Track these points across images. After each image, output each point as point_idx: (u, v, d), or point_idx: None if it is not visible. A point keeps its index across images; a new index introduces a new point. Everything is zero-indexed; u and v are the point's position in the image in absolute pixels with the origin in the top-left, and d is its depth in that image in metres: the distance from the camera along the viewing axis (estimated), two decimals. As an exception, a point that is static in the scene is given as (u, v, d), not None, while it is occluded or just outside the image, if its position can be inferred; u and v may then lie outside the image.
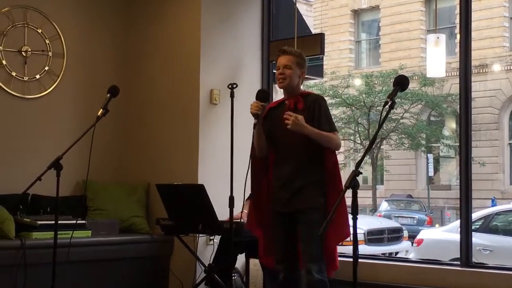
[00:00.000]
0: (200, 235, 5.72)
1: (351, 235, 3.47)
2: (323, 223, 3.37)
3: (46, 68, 6.14)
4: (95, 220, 5.88)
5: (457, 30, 6.75)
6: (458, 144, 5.91)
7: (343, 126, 21.71)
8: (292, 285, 4.45)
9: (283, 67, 4.44)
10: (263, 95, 4.48)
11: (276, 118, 4.42)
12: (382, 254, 10.59)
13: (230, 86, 5.02)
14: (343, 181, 3.85)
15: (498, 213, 10.41)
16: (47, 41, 6.16)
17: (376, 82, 21.34)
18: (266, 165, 4.57)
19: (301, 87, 4.59)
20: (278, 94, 6.41)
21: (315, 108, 4.38)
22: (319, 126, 4.35)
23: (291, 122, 4.24)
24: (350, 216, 3.48)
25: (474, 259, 5.47)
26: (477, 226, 9.43)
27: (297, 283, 4.43)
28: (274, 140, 4.47)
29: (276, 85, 6.47)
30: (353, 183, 3.34)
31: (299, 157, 4.37)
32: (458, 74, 5.53)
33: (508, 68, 21.00)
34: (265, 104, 4.42)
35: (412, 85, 19.72)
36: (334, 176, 4.43)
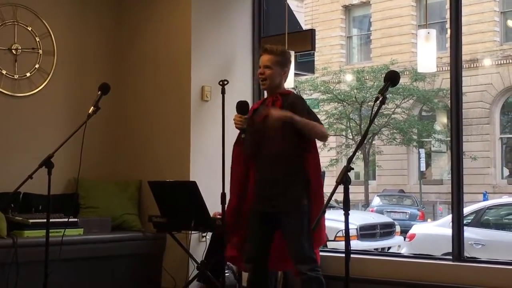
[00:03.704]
0: (193, 232, 5.72)
1: (343, 231, 3.48)
2: (310, 224, 3.38)
3: (37, 66, 6.13)
4: (87, 218, 5.88)
5: (447, 25, 6.75)
6: (449, 138, 5.93)
7: (334, 121, 21.72)
8: (258, 286, 4.45)
9: (263, 67, 4.44)
10: (243, 107, 4.44)
11: (255, 119, 4.42)
12: (374, 249, 10.64)
13: (221, 83, 5.01)
14: (334, 177, 3.85)
15: (489, 208, 10.45)
16: (37, 39, 6.14)
17: (367, 78, 21.36)
18: (247, 165, 4.56)
19: (285, 85, 4.56)
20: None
21: (292, 108, 4.32)
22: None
23: (273, 112, 4.25)
24: (341, 212, 3.47)
25: (466, 254, 5.49)
26: (469, 221, 9.46)
27: (263, 285, 4.44)
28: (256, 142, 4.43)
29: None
30: (344, 179, 3.35)
31: (276, 155, 4.33)
32: (449, 69, 5.55)
33: (499, 62, 21.06)
34: (247, 116, 4.37)
35: (403, 80, 19.74)
36: (316, 176, 4.43)
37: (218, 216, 5.20)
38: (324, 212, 3.38)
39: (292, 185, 4.31)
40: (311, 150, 4.44)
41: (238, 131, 4.57)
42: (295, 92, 4.74)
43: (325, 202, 3.78)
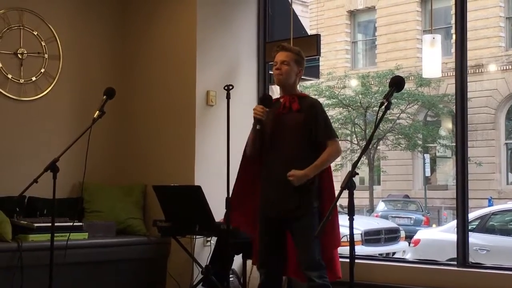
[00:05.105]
0: (197, 236, 5.73)
1: (348, 236, 3.47)
2: (318, 226, 3.37)
3: (42, 70, 6.14)
4: (92, 222, 5.88)
5: (453, 30, 6.77)
6: (454, 144, 5.92)
7: (339, 127, 21.70)
8: None
9: (280, 63, 4.39)
10: (267, 100, 4.42)
11: (268, 117, 4.37)
12: (379, 254, 10.61)
13: (226, 88, 5.02)
14: (339, 182, 3.84)
15: (494, 213, 10.42)
16: (43, 43, 6.16)
17: (372, 83, 21.35)
18: (255, 167, 4.51)
19: (298, 87, 4.56)
20: (274, 95, 6.41)
21: (311, 114, 4.33)
22: (316, 135, 4.32)
23: (294, 181, 4.22)
24: (346, 217, 3.47)
25: (471, 259, 5.48)
26: (474, 226, 9.45)
27: None
28: (265, 140, 4.39)
29: (272, 86, 6.50)
30: (349, 184, 3.35)
31: (289, 158, 4.30)
32: (454, 74, 5.54)
33: (504, 68, 21.01)
34: (268, 110, 4.35)
35: (409, 86, 19.73)
36: (328, 176, 4.41)
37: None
38: (328, 218, 3.37)
39: (303, 188, 4.26)
40: (322, 151, 4.42)
41: (241, 136, 4.56)
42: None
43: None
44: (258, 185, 4.48)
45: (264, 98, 4.48)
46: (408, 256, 10.52)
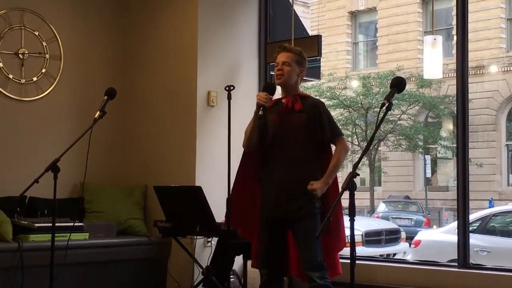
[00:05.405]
0: (198, 237, 5.73)
1: (348, 237, 3.47)
2: (320, 227, 3.37)
3: (43, 70, 6.14)
4: (93, 222, 5.88)
5: (454, 32, 6.78)
6: (455, 145, 5.93)
7: (340, 128, 21.65)
8: None
9: (282, 63, 4.38)
10: (271, 88, 4.40)
11: (270, 117, 4.37)
12: (380, 255, 10.62)
13: (227, 88, 5.02)
14: (340, 183, 3.84)
15: (495, 214, 10.42)
16: (44, 44, 6.16)
17: (373, 84, 21.36)
18: (256, 166, 4.50)
19: (300, 87, 4.56)
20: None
21: (315, 114, 4.33)
22: (322, 136, 4.33)
23: (318, 193, 4.21)
24: (347, 218, 3.47)
25: (471, 260, 5.48)
26: (475, 227, 9.44)
27: None
28: (267, 140, 4.39)
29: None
30: (350, 185, 3.35)
31: (292, 158, 4.29)
32: (455, 75, 5.54)
33: (505, 69, 21.02)
34: (271, 97, 4.35)
35: (409, 87, 19.74)
36: None
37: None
38: (329, 219, 3.37)
39: (302, 187, 4.24)
40: (328, 150, 4.42)
41: (242, 137, 4.54)
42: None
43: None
44: (257, 186, 4.48)
45: (267, 85, 4.47)
46: (408, 257, 10.51)
